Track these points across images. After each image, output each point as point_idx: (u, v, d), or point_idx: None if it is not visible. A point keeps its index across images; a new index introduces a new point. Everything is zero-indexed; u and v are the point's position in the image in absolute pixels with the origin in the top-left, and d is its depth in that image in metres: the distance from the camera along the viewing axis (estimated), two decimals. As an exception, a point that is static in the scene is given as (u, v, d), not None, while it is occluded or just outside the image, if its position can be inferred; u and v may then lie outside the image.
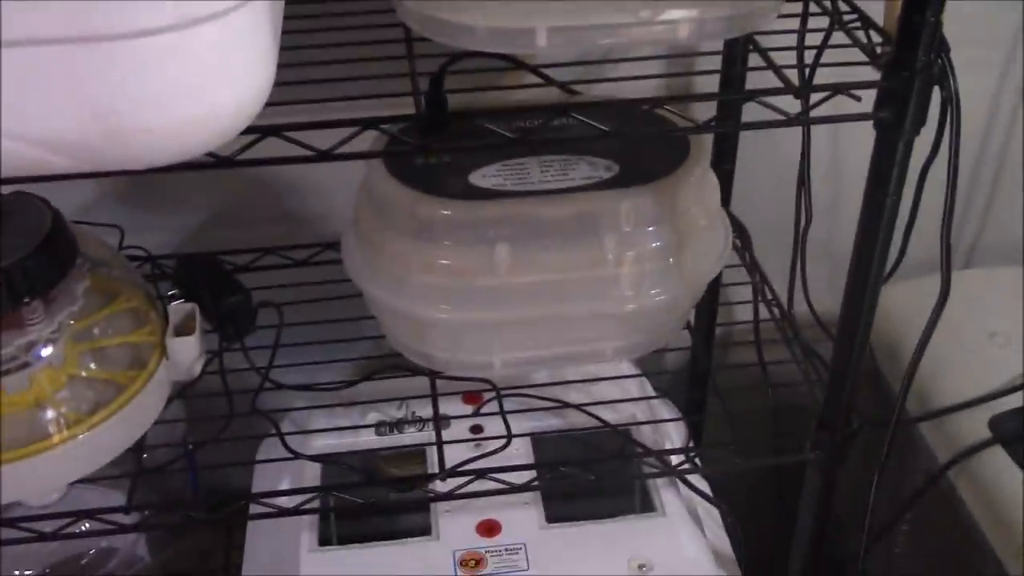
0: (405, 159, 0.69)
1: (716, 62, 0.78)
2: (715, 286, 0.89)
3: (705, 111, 0.81)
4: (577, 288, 0.68)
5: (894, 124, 0.57)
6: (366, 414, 0.83)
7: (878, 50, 0.59)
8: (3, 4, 0.38)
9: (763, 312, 0.84)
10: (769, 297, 0.84)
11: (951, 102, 0.58)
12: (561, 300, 0.68)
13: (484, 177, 0.68)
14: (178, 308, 0.69)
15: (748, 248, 0.87)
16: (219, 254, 0.80)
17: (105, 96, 0.41)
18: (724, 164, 0.86)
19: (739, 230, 0.86)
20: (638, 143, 0.71)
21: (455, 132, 0.59)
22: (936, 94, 0.58)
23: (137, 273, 0.72)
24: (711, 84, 0.82)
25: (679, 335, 0.82)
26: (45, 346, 0.63)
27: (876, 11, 0.62)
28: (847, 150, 0.95)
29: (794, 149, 0.80)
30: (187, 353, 0.67)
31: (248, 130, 0.47)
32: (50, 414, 0.62)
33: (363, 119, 0.53)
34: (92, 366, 0.65)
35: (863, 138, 0.60)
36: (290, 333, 0.76)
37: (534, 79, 0.65)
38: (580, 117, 0.56)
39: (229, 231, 0.87)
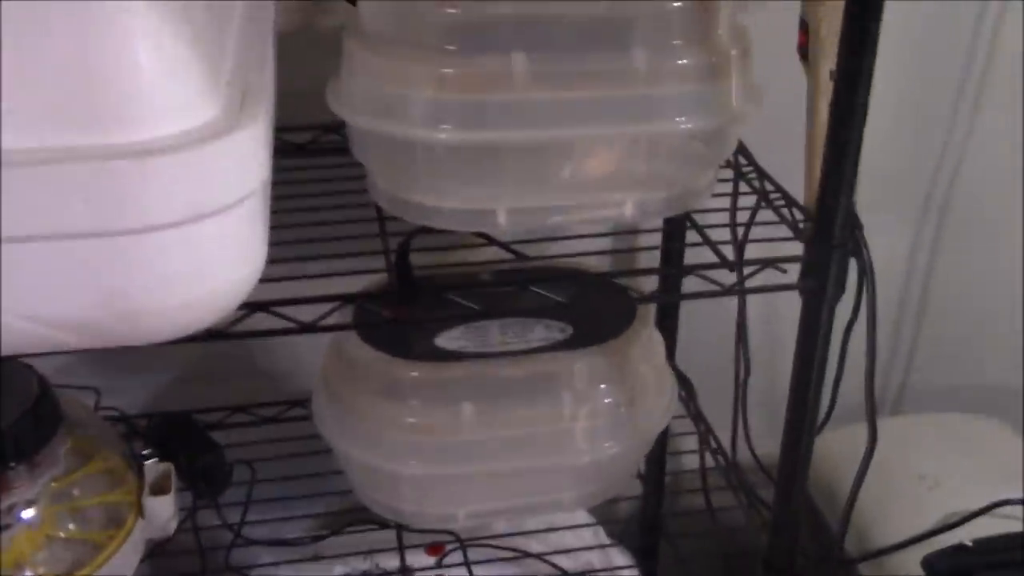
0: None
1: (656, 233, 0.86)
2: (663, 436, 0.93)
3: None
4: (537, 442, 0.73)
5: (817, 292, 0.63)
6: (333, 568, 0.85)
7: (801, 225, 0.66)
8: (28, 202, 0.43)
9: (709, 460, 0.89)
10: (714, 446, 0.89)
11: (866, 273, 0.65)
12: (522, 454, 0.73)
13: (449, 339, 0.73)
14: (153, 467, 0.71)
15: (693, 399, 0.93)
16: (191, 412, 0.83)
17: (117, 282, 0.45)
18: (667, 322, 0.92)
19: (683, 382, 0.92)
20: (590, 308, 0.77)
21: (423, 300, 0.65)
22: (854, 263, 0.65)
23: (114, 433, 0.75)
24: (653, 254, 0.90)
25: (631, 484, 0.86)
26: (26, 508, 0.65)
27: (798, 190, 0.70)
28: (780, 304, 1.02)
29: (732, 304, 0.87)
30: (163, 512, 0.69)
31: (239, 306, 0.52)
32: (28, 576, 0.64)
33: (341, 295, 0.58)
34: (70, 527, 0.67)
35: (795, 293, 0.67)
36: (261, 488, 0.79)
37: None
38: (539, 290, 0.62)
39: (200, 388, 0.90)
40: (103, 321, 0.47)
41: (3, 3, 0.42)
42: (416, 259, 0.66)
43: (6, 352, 0.49)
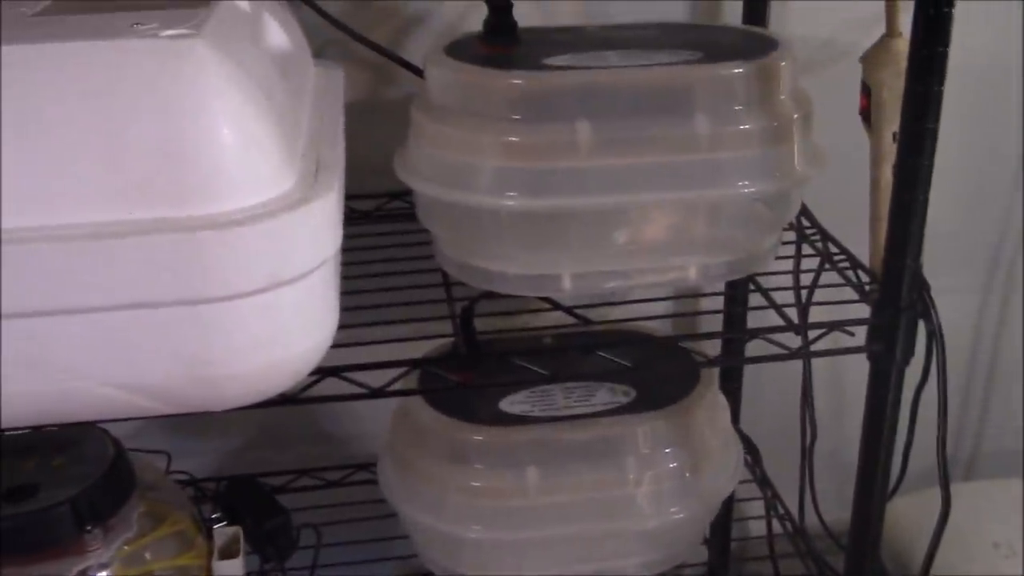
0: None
1: (718, 297, 0.86)
2: (729, 501, 0.93)
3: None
4: (601, 507, 0.72)
5: (885, 356, 0.63)
6: (398, 633, 0.85)
7: (867, 288, 0.66)
8: (117, 272, 0.45)
9: (776, 526, 0.88)
10: (781, 511, 0.88)
11: (935, 335, 0.64)
12: (586, 519, 0.72)
13: (513, 404, 0.73)
14: (223, 531, 0.72)
15: (758, 464, 0.92)
16: (258, 476, 0.84)
17: (198, 349, 0.47)
18: (731, 385, 0.92)
19: (749, 447, 0.91)
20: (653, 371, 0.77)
21: (488, 364, 0.65)
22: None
23: (184, 496, 0.76)
24: (715, 318, 0.90)
25: (697, 550, 0.85)
26: (99, 571, 0.67)
27: (862, 252, 0.69)
28: (846, 366, 1.00)
29: (796, 367, 0.86)
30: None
31: (311, 371, 0.53)
32: (101, 640, 0.65)
33: (410, 360, 0.59)
34: (142, 589, 0.68)
35: (861, 356, 0.66)
36: (327, 552, 0.79)
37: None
38: (603, 354, 0.62)
39: (266, 452, 0.92)
40: (183, 387, 0.48)
41: (95, 85, 0.44)
42: (480, 324, 0.66)
43: (88, 418, 0.51)
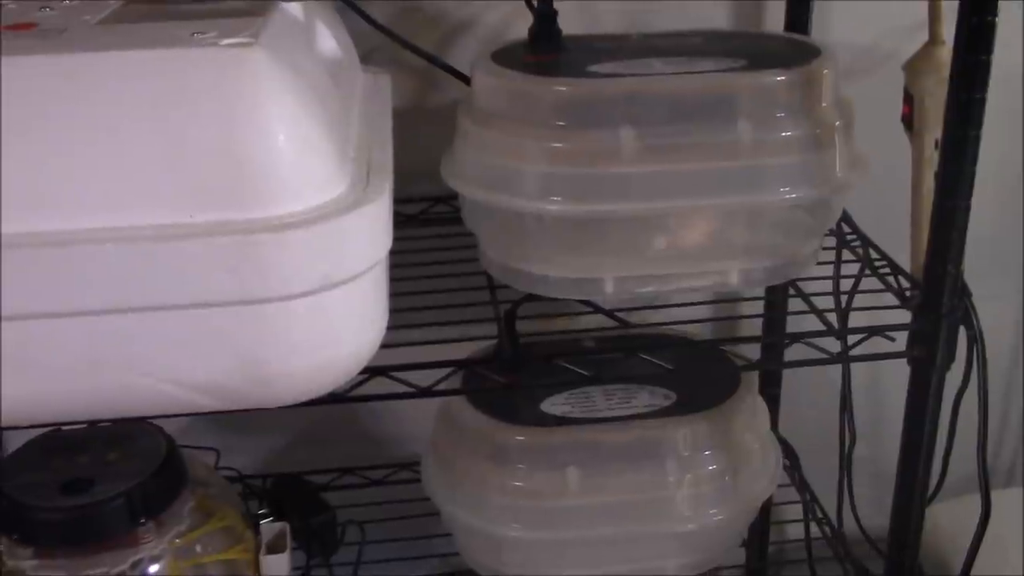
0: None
1: (758, 301, 0.86)
2: (767, 505, 0.93)
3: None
4: (640, 508, 0.73)
5: (926, 361, 0.63)
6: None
7: (907, 293, 0.67)
8: (177, 273, 0.46)
9: (814, 530, 0.88)
10: (819, 515, 0.88)
11: (976, 340, 0.64)
12: (625, 520, 0.73)
13: (554, 405, 0.74)
14: (270, 527, 0.74)
15: (797, 468, 0.92)
16: (303, 474, 0.86)
17: (254, 348, 0.48)
18: (771, 389, 0.92)
19: (788, 451, 0.91)
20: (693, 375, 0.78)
21: (530, 366, 0.66)
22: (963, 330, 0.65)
23: (233, 492, 0.78)
24: (755, 322, 0.90)
25: (735, 552, 0.86)
26: (153, 563, 0.68)
27: (902, 258, 0.70)
28: (885, 372, 1.01)
29: (835, 372, 0.87)
30: (279, 570, 0.71)
31: (360, 370, 0.54)
32: (155, 630, 0.66)
33: (456, 360, 0.61)
34: (193, 583, 0.70)
35: (900, 361, 0.67)
36: (370, 549, 0.81)
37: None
38: (644, 356, 0.63)
39: (311, 450, 0.93)
40: (238, 385, 0.50)
41: (158, 93, 0.46)
42: (521, 326, 0.68)
43: (146, 413, 0.53)
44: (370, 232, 0.49)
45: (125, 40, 0.49)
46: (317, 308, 0.48)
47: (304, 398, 0.51)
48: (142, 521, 0.66)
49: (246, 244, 0.45)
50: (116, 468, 0.67)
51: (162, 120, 0.46)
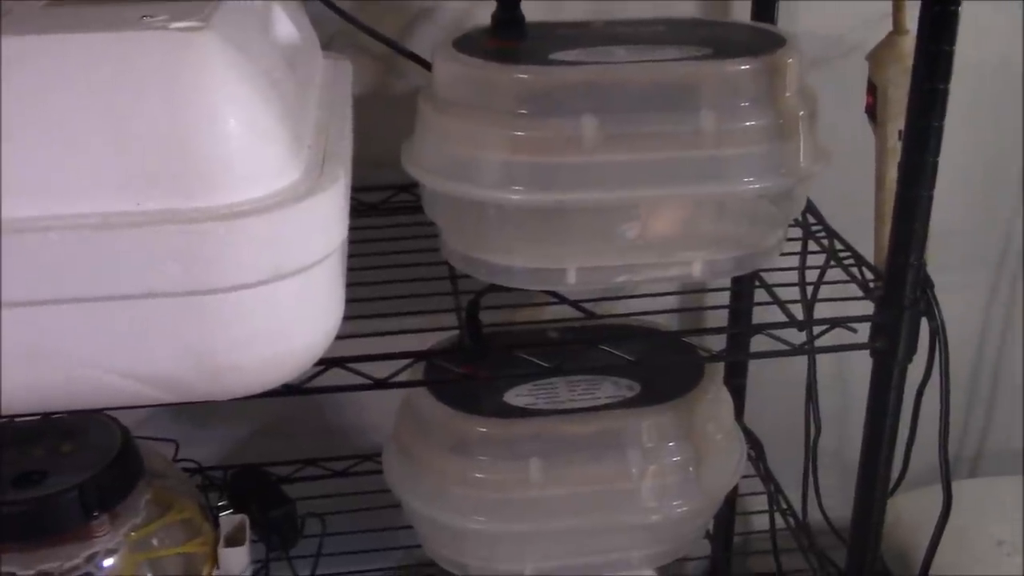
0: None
1: (724, 292, 0.86)
2: (732, 496, 0.93)
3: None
4: (604, 500, 0.73)
5: (888, 353, 0.63)
6: (399, 623, 0.86)
7: (871, 285, 0.66)
8: (125, 262, 0.45)
9: (779, 521, 0.88)
10: (784, 506, 0.88)
11: (938, 333, 0.64)
12: (589, 511, 0.73)
13: (517, 396, 0.74)
14: (229, 519, 0.73)
15: (762, 459, 0.92)
16: (264, 465, 0.85)
17: (204, 339, 0.47)
18: (736, 380, 0.92)
19: (753, 442, 0.91)
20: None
21: (493, 357, 0.66)
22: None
23: (191, 485, 0.77)
24: (721, 313, 0.90)
25: (700, 544, 0.85)
26: (107, 557, 0.67)
27: (867, 249, 0.69)
28: (851, 363, 1.01)
29: (801, 363, 0.86)
30: (237, 563, 0.70)
31: (316, 362, 0.53)
32: (108, 624, 0.65)
33: (415, 352, 0.60)
34: (149, 576, 0.69)
35: (865, 352, 0.66)
36: (331, 541, 0.80)
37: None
38: (608, 348, 0.63)
39: (272, 442, 0.92)
40: (189, 377, 0.48)
41: (104, 76, 0.45)
42: (485, 316, 0.67)
43: (95, 406, 0.51)
44: (324, 221, 0.48)
45: (71, 22, 0.47)
46: (268, 299, 0.47)
47: (256, 390, 0.50)
48: (96, 514, 0.65)
49: (194, 233, 0.44)
50: (70, 460, 0.66)
51: (108, 105, 0.44)
